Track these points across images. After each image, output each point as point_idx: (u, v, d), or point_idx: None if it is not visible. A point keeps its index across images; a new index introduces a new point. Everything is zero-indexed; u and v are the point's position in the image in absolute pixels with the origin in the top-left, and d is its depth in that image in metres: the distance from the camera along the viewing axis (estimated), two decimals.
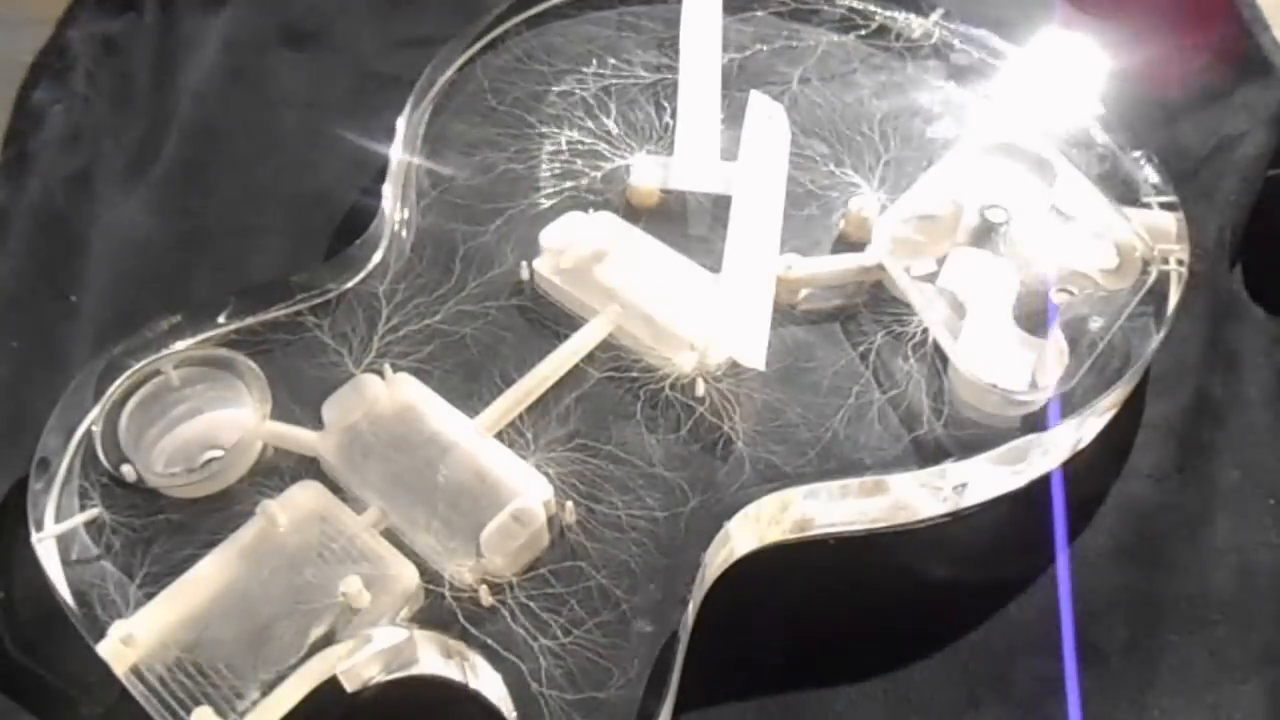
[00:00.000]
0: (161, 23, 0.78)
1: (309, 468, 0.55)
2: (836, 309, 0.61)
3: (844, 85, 0.69)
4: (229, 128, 0.74)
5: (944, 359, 0.58)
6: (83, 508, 0.54)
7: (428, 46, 0.70)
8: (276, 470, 0.55)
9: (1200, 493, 0.59)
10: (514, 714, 0.49)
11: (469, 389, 0.58)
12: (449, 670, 0.52)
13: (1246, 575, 0.57)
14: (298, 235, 0.68)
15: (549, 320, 0.60)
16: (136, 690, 0.49)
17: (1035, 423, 0.56)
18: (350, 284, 0.61)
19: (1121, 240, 0.61)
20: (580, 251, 0.62)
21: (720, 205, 0.63)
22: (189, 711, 0.48)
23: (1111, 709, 0.53)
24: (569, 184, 0.65)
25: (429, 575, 0.52)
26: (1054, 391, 0.57)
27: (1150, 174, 0.64)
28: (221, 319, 0.59)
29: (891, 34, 0.71)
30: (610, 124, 0.67)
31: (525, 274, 0.61)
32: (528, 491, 0.53)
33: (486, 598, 0.52)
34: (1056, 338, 0.58)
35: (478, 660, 0.50)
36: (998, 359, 0.57)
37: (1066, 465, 0.59)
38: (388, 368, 0.57)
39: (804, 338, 0.60)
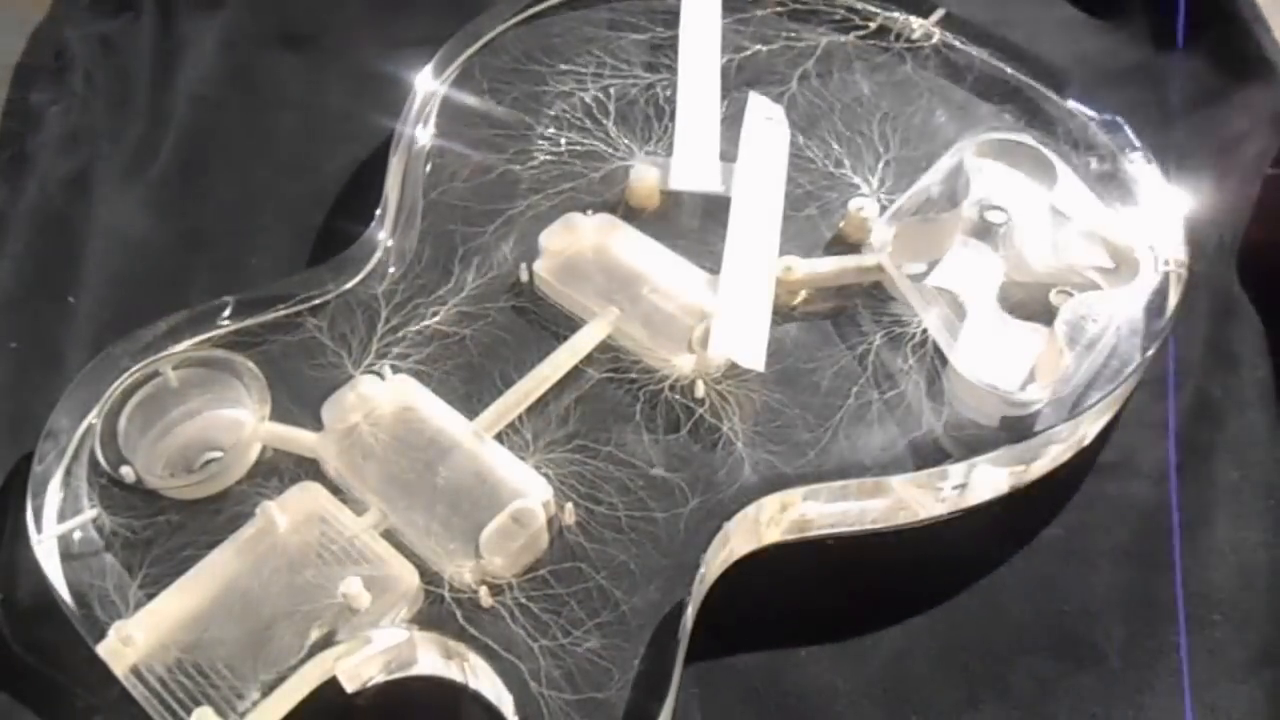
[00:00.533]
0: (159, 24, 0.78)
1: (308, 469, 0.55)
2: (836, 310, 0.61)
3: (844, 86, 0.69)
4: (227, 129, 0.74)
5: (943, 360, 0.58)
6: (82, 509, 0.54)
7: (426, 47, 0.70)
8: (276, 471, 0.55)
9: (1200, 493, 0.59)
10: (514, 715, 0.49)
11: (468, 390, 0.58)
12: (449, 671, 0.52)
13: (1246, 575, 0.57)
14: (296, 236, 0.68)
15: (548, 321, 0.60)
16: (136, 691, 0.49)
17: (1034, 423, 0.56)
18: (349, 285, 0.61)
19: (1120, 241, 0.60)
20: (579, 253, 0.62)
21: (719, 206, 0.62)
22: (189, 712, 0.48)
23: (1111, 709, 0.53)
24: (568, 185, 0.65)
25: (429, 576, 0.52)
26: (1053, 392, 0.57)
27: (1150, 174, 0.64)
28: (220, 320, 0.59)
29: (891, 34, 0.71)
30: (609, 125, 0.67)
31: (525, 275, 0.61)
32: (527, 492, 0.53)
33: (486, 599, 0.52)
34: (1056, 338, 0.58)
35: (477, 661, 0.50)
36: (997, 360, 0.57)
37: (1066, 466, 0.59)
38: (387, 369, 0.57)
39: (803, 339, 0.60)
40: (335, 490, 0.54)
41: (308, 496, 0.54)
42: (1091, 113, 0.66)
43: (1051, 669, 0.54)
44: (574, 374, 0.58)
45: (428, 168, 0.66)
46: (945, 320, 0.59)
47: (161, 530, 0.54)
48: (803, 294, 0.61)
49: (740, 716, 0.54)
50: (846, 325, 0.60)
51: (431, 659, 0.52)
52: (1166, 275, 0.60)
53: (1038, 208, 0.62)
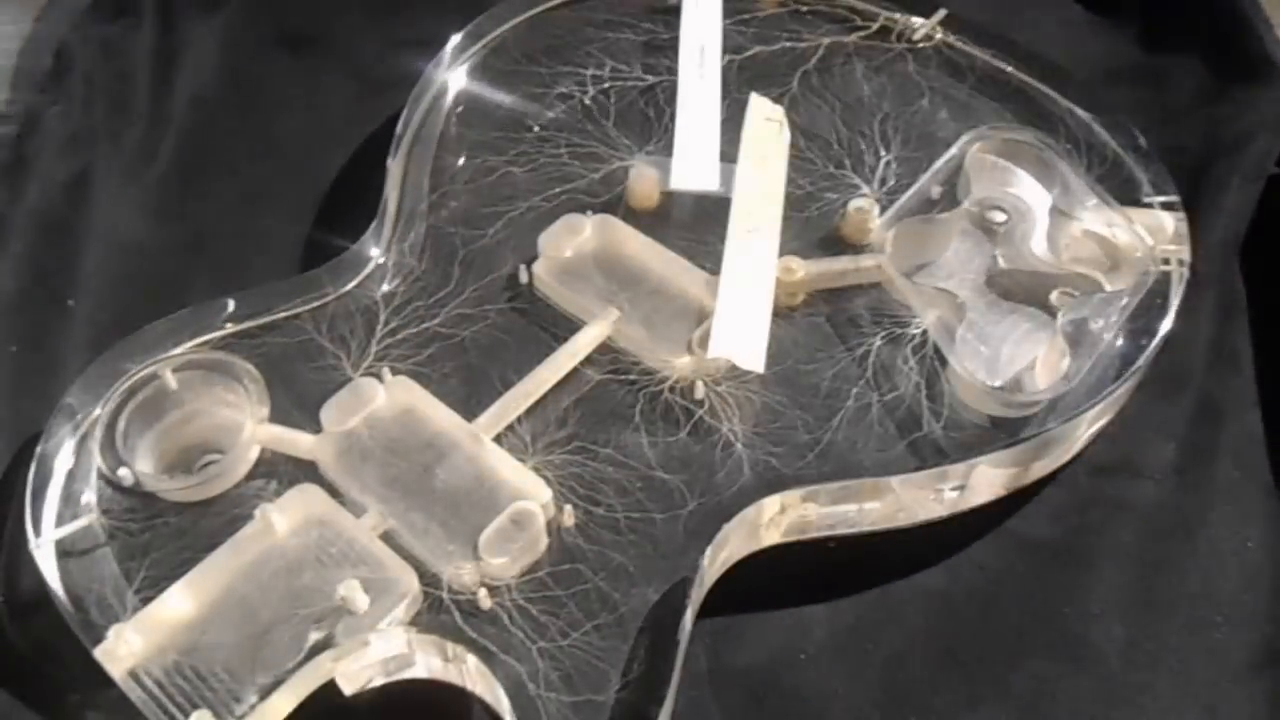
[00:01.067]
0: (159, 26, 0.78)
1: (307, 471, 0.55)
2: (836, 311, 0.61)
3: (844, 86, 0.69)
4: (227, 131, 0.74)
5: (943, 361, 0.58)
6: (81, 513, 0.54)
7: (425, 49, 0.69)
8: (275, 474, 0.55)
9: (1201, 493, 0.59)
10: (512, 717, 0.49)
11: (468, 392, 0.58)
12: (447, 673, 0.52)
13: (1246, 576, 0.57)
14: (296, 238, 0.68)
15: (548, 323, 0.60)
16: (134, 693, 0.49)
17: (1035, 424, 0.56)
18: (348, 287, 0.61)
19: (1122, 240, 0.60)
20: (579, 254, 0.61)
21: (719, 207, 0.62)
22: (187, 715, 0.48)
23: (1111, 710, 0.53)
24: (568, 186, 0.65)
25: (427, 578, 0.52)
26: (1054, 393, 0.57)
27: (1151, 174, 0.63)
28: (220, 322, 0.59)
29: (892, 35, 0.71)
30: (609, 125, 0.67)
31: (524, 277, 0.61)
32: (526, 494, 0.53)
33: (485, 601, 0.51)
34: (1057, 339, 0.58)
35: (476, 663, 0.50)
36: (997, 361, 0.57)
37: (1066, 467, 0.59)
38: (386, 371, 0.57)
39: (803, 340, 0.60)
40: (334, 492, 0.54)
41: (306, 499, 0.54)
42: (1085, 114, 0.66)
43: (1051, 670, 0.54)
44: (573, 375, 0.58)
45: (427, 169, 0.66)
46: (945, 321, 0.59)
47: (160, 533, 0.54)
48: (803, 295, 0.61)
49: (740, 718, 0.53)
50: (846, 326, 0.60)
51: (430, 661, 0.52)
52: (1168, 275, 0.60)
53: (1039, 207, 0.62)
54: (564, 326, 0.60)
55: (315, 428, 0.56)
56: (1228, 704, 0.53)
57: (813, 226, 0.63)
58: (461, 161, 0.66)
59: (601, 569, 0.53)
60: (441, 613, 0.51)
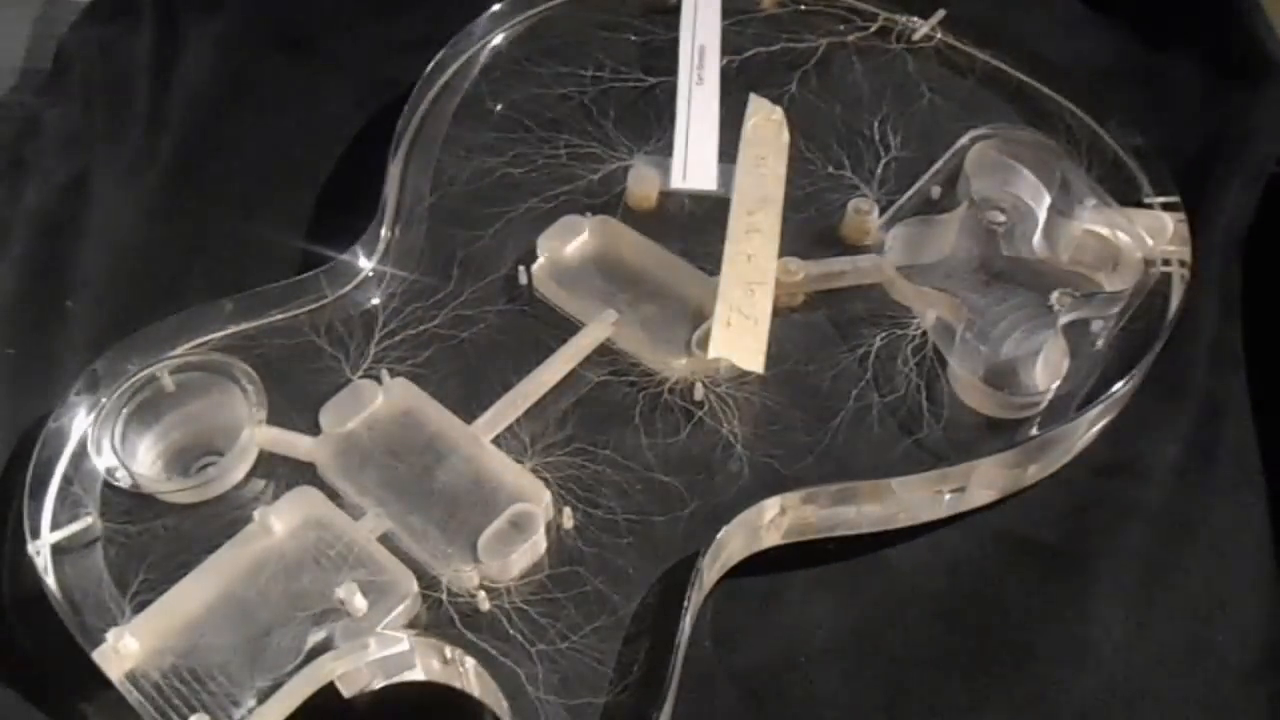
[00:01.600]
0: (158, 26, 0.78)
1: (306, 473, 0.55)
2: (836, 312, 0.61)
3: (844, 87, 0.69)
4: (226, 132, 0.74)
5: (943, 362, 0.58)
6: (78, 515, 0.54)
7: (425, 50, 0.69)
8: (273, 476, 0.55)
9: (1201, 494, 0.59)
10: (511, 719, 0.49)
11: (467, 394, 0.57)
12: (446, 676, 0.52)
13: (1247, 577, 0.57)
14: (294, 240, 0.68)
15: (547, 324, 0.60)
16: (132, 696, 0.49)
17: (1035, 425, 0.56)
18: (347, 289, 0.61)
19: (1122, 241, 0.60)
20: (578, 255, 0.61)
21: (719, 208, 0.62)
22: (185, 718, 0.48)
23: (1113, 711, 0.53)
24: (567, 187, 0.65)
25: (426, 581, 0.52)
26: (1054, 393, 0.57)
27: (1151, 174, 0.63)
28: (218, 324, 0.59)
29: (892, 35, 0.71)
30: (608, 127, 0.67)
31: (523, 278, 0.61)
32: (526, 496, 0.53)
33: (484, 603, 0.51)
34: (1057, 339, 0.57)
35: (475, 666, 0.50)
36: (997, 361, 0.57)
37: (1067, 468, 0.59)
38: (385, 373, 0.57)
39: (803, 341, 0.59)
40: (333, 495, 0.54)
41: (305, 501, 0.54)
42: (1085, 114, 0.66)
43: (1052, 672, 0.54)
44: (572, 377, 0.58)
45: (427, 170, 0.66)
46: (945, 322, 0.59)
47: (158, 535, 0.54)
48: (802, 296, 0.61)
49: None
50: (846, 327, 0.60)
51: (429, 663, 0.52)
52: (1168, 275, 0.60)
53: (1039, 208, 0.62)
54: (563, 328, 0.59)
55: (314, 430, 0.56)
56: (1229, 706, 0.53)
57: (812, 227, 0.63)
58: (461, 162, 0.66)
59: (601, 571, 0.53)
60: (440, 615, 0.51)
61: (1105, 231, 0.61)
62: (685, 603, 0.51)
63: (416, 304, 0.61)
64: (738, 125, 0.65)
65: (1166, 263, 0.60)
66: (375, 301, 0.61)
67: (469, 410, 0.56)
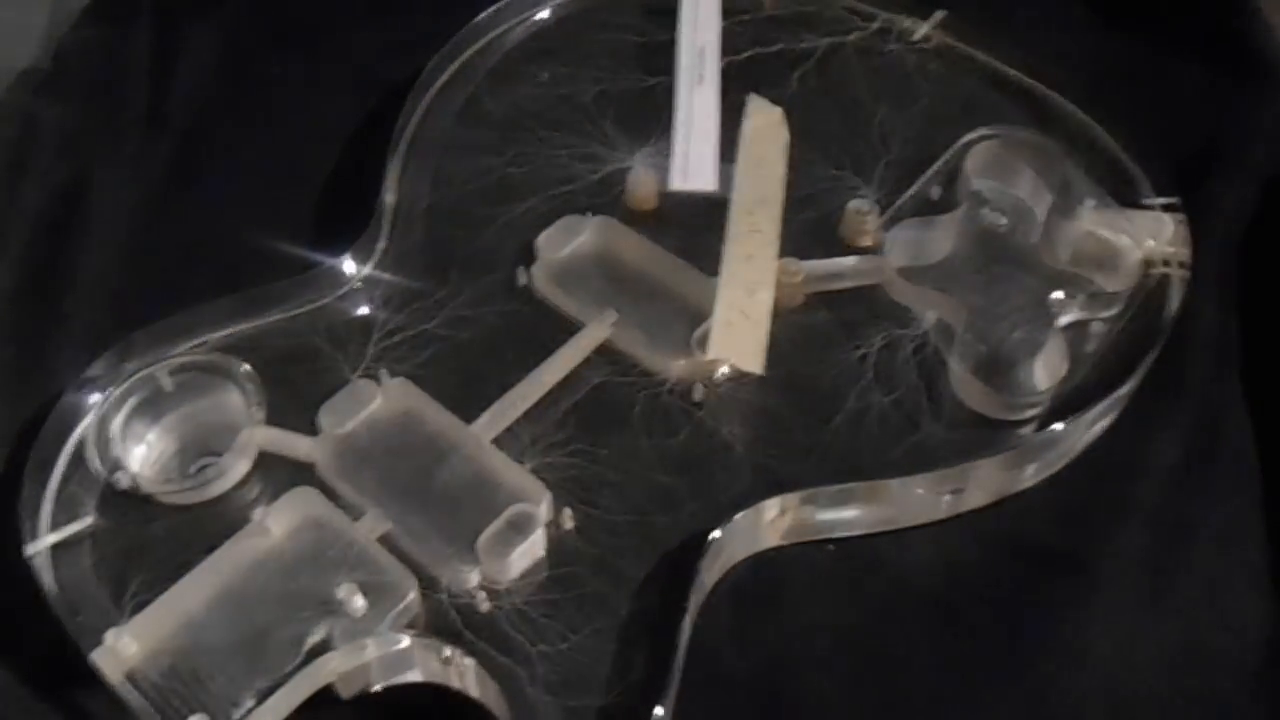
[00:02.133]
0: (157, 26, 0.78)
1: (305, 474, 0.55)
2: (835, 312, 0.60)
3: (843, 87, 0.69)
4: (225, 131, 0.74)
5: (943, 362, 0.58)
6: (77, 516, 0.54)
7: (424, 50, 0.69)
8: (272, 476, 0.55)
9: (1201, 495, 0.59)
10: None
11: (466, 394, 0.57)
12: (446, 677, 0.52)
13: (1248, 577, 0.57)
14: (294, 239, 0.68)
15: (546, 325, 0.60)
16: (131, 698, 0.49)
17: (1035, 426, 0.56)
18: (346, 289, 0.61)
19: (1123, 242, 0.60)
20: (577, 256, 0.61)
21: (718, 208, 0.62)
22: (184, 719, 0.48)
23: (1113, 713, 0.53)
24: (566, 188, 0.64)
25: (426, 581, 0.52)
26: (1054, 394, 0.56)
27: (1151, 175, 0.63)
28: (217, 324, 0.59)
29: (892, 36, 0.71)
30: (607, 127, 0.67)
31: (522, 279, 0.61)
32: (525, 497, 0.53)
33: (483, 604, 0.51)
34: (1057, 340, 0.57)
35: (475, 667, 0.50)
36: (997, 362, 0.57)
37: (1067, 468, 0.59)
38: (384, 373, 0.57)
39: (803, 341, 0.59)
40: (332, 495, 0.54)
41: (304, 501, 0.54)
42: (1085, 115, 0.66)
43: (1052, 672, 0.54)
44: (572, 378, 0.58)
45: (426, 170, 0.66)
46: (945, 322, 0.59)
47: (157, 536, 0.53)
48: (802, 296, 0.61)
49: None
50: (846, 328, 0.60)
51: (428, 665, 0.52)
52: (1168, 276, 0.60)
53: (1039, 208, 0.62)
54: (562, 328, 0.59)
55: (313, 430, 0.56)
56: (1228, 706, 0.53)
57: (812, 228, 0.63)
58: (460, 162, 0.66)
59: (600, 572, 0.52)
60: (440, 616, 0.51)
61: (1105, 232, 0.61)
62: (685, 604, 0.51)
63: (416, 304, 0.60)
64: (737, 126, 0.65)
65: (1166, 263, 0.60)
66: (374, 302, 0.61)
67: (468, 410, 0.56)
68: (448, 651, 0.51)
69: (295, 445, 0.56)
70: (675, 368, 0.58)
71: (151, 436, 0.56)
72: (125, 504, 0.54)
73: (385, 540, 0.53)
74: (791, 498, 0.54)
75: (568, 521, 0.54)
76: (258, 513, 0.53)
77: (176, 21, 0.79)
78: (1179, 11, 0.76)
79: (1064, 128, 0.66)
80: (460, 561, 0.52)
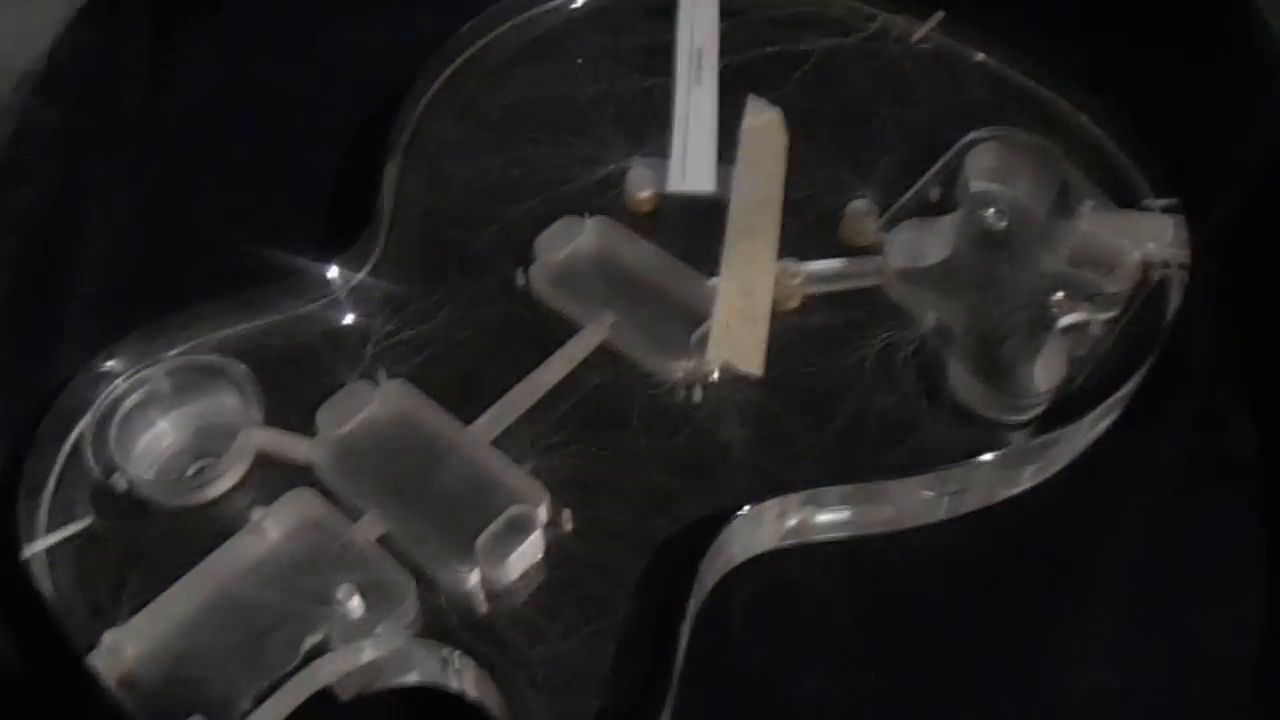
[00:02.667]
0: (153, 27, 0.78)
1: (303, 475, 0.55)
2: (835, 313, 0.60)
3: (842, 88, 0.69)
4: (221, 134, 0.74)
5: (943, 363, 0.58)
6: (74, 517, 0.53)
7: (422, 51, 0.69)
8: (270, 478, 0.55)
9: (1202, 496, 0.59)
10: None
11: (464, 395, 0.57)
12: (444, 679, 0.52)
13: (1249, 578, 0.57)
14: (292, 240, 0.67)
15: (545, 326, 0.60)
16: (128, 700, 0.49)
17: (1035, 427, 0.56)
18: (344, 290, 0.61)
19: (1122, 242, 0.60)
20: (576, 257, 0.61)
21: (717, 209, 0.62)
22: None
23: (1113, 714, 0.53)
24: (564, 189, 0.64)
25: (424, 583, 0.52)
26: (1054, 396, 0.56)
27: (1150, 176, 0.63)
28: (214, 325, 0.59)
29: (890, 37, 0.71)
30: (606, 128, 0.67)
31: (521, 280, 0.61)
32: (524, 498, 0.53)
33: (482, 605, 0.51)
34: (1056, 341, 0.57)
35: (474, 668, 0.50)
36: (997, 363, 0.57)
37: (1066, 469, 0.59)
38: (382, 374, 0.57)
39: (802, 342, 0.59)
40: (330, 496, 0.54)
41: (302, 503, 0.53)
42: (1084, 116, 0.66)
43: (1052, 673, 0.54)
44: (571, 379, 0.58)
45: (424, 171, 0.66)
46: (944, 323, 0.59)
47: (154, 538, 0.53)
48: (801, 297, 0.61)
49: None
50: (846, 329, 0.60)
51: (427, 667, 0.52)
52: (1167, 277, 0.60)
53: (1038, 210, 0.62)
54: (561, 329, 0.59)
55: (311, 431, 0.56)
56: (1230, 707, 0.53)
57: (811, 229, 0.63)
58: (458, 163, 0.66)
59: (600, 573, 0.52)
60: (439, 617, 0.51)
61: (1105, 233, 0.61)
62: (684, 605, 0.51)
63: (414, 305, 0.60)
64: (736, 127, 0.65)
65: (1166, 265, 0.60)
66: (372, 303, 0.60)
67: (467, 412, 0.56)
68: (446, 653, 0.50)
69: (293, 446, 0.55)
70: (674, 369, 0.58)
71: (149, 438, 0.56)
72: (123, 505, 0.54)
73: (384, 541, 0.53)
74: (791, 499, 0.54)
75: (567, 523, 0.53)
76: (256, 514, 0.53)
77: (172, 22, 0.79)
78: (1178, 12, 0.76)
79: (1063, 129, 0.66)
80: (459, 563, 0.52)
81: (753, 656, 0.54)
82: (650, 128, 0.67)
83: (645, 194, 0.64)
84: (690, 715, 0.52)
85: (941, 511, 0.57)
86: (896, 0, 0.71)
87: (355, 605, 0.50)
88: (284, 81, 0.77)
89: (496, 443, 0.55)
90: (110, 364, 0.57)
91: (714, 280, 0.60)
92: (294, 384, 0.57)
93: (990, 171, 0.63)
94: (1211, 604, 0.56)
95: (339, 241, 0.63)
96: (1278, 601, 0.56)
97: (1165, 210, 0.62)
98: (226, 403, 0.57)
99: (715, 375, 0.58)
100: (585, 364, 0.58)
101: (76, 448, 0.55)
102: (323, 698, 0.50)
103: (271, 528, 0.52)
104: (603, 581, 0.52)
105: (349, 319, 0.60)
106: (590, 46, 0.71)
